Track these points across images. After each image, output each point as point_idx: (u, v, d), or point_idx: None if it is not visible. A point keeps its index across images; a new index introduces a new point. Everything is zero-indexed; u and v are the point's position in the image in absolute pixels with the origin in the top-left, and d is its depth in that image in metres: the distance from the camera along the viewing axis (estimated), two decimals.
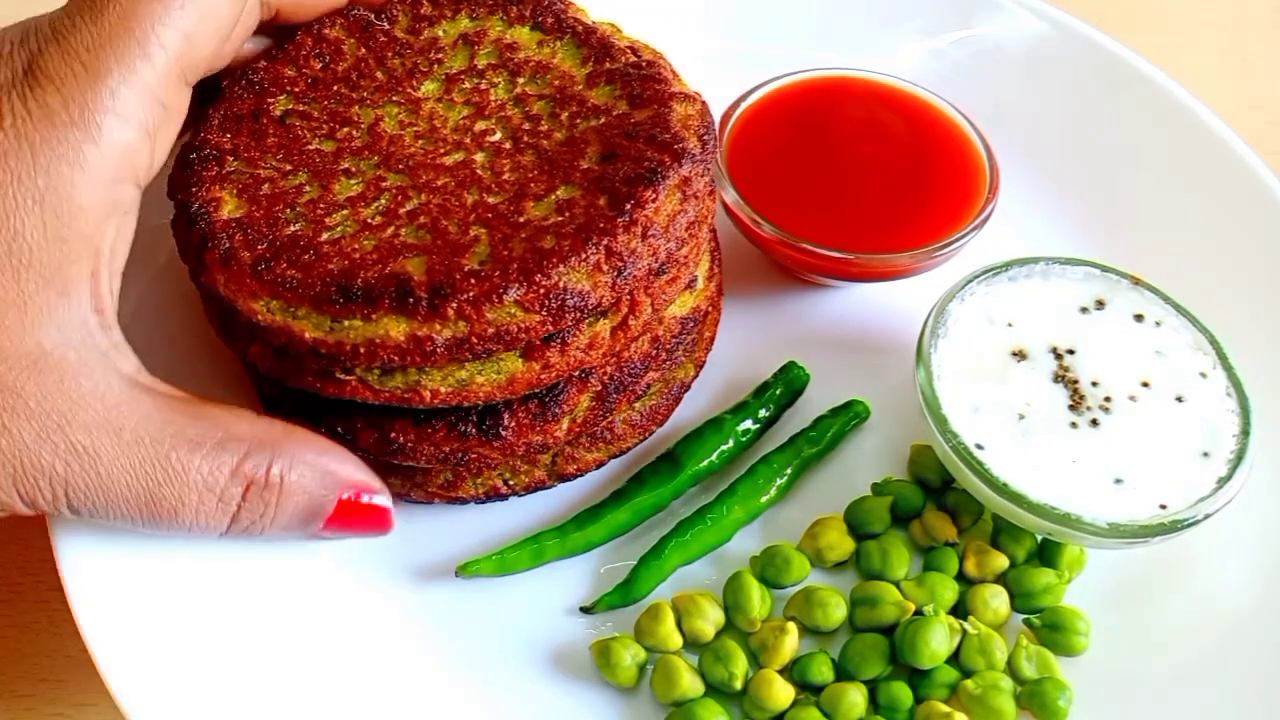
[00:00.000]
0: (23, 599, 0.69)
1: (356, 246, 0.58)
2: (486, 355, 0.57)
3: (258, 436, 0.56)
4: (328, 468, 0.58)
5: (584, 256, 0.56)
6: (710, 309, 0.69)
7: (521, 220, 0.58)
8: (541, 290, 0.56)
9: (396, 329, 0.55)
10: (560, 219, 0.58)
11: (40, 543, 0.68)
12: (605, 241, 0.57)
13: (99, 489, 0.53)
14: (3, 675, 0.66)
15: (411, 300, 0.55)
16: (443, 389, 0.58)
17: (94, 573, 0.60)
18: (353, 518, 0.59)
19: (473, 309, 0.55)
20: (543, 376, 0.59)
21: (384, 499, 0.60)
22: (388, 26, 0.67)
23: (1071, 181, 0.83)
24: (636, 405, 0.67)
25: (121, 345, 0.56)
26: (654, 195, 0.59)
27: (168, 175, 0.63)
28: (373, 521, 0.60)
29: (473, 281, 0.56)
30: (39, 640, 0.67)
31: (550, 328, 0.57)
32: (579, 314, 0.57)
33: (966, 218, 0.74)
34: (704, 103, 0.64)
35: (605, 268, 0.57)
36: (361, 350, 0.56)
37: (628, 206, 0.58)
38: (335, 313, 0.56)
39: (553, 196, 0.59)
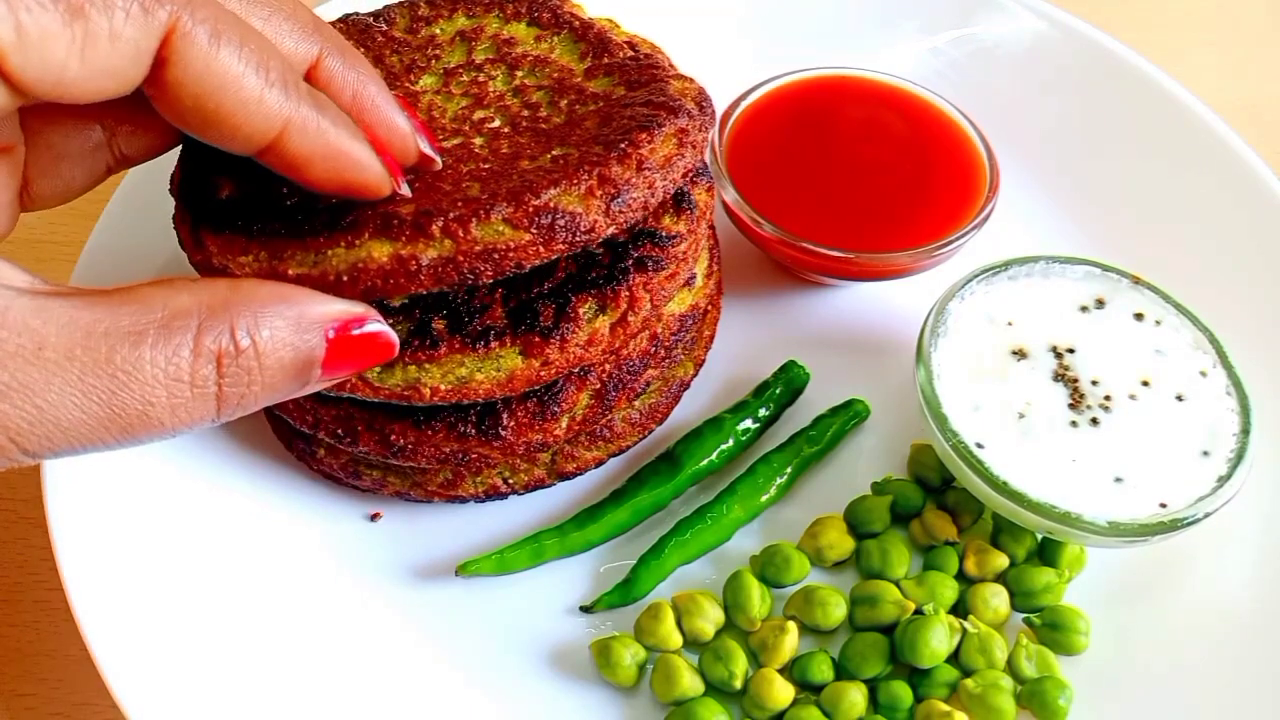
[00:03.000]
0: (23, 599, 0.69)
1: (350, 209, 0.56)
2: (473, 277, 0.55)
3: (205, 303, 0.46)
4: (300, 312, 0.49)
5: (575, 180, 0.56)
6: (709, 307, 0.69)
7: (515, 172, 0.57)
8: (531, 208, 0.55)
9: (380, 251, 0.54)
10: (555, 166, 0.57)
11: (40, 542, 0.68)
12: (598, 170, 0.56)
13: (47, 423, 0.43)
14: (3, 675, 0.66)
15: (396, 222, 0.54)
16: (442, 386, 0.58)
17: (94, 572, 0.60)
18: (350, 355, 0.51)
19: (459, 226, 0.54)
20: (542, 373, 0.59)
21: (376, 324, 0.52)
22: (385, 28, 0.67)
23: (1071, 181, 0.83)
24: (636, 403, 0.67)
25: (0, 263, 0.45)
26: (649, 138, 0.58)
27: (168, 175, 0.63)
28: (373, 351, 0.52)
29: (460, 204, 0.54)
30: (39, 640, 0.67)
31: (542, 250, 0.55)
32: (570, 237, 0.56)
33: (966, 217, 0.74)
34: (701, 86, 0.64)
35: (598, 193, 0.56)
36: (345, 278, 0.54)
37: (623, 145, 0.57)
38: (320, 245, 0.55)
39: (547, 155, 0.58)
